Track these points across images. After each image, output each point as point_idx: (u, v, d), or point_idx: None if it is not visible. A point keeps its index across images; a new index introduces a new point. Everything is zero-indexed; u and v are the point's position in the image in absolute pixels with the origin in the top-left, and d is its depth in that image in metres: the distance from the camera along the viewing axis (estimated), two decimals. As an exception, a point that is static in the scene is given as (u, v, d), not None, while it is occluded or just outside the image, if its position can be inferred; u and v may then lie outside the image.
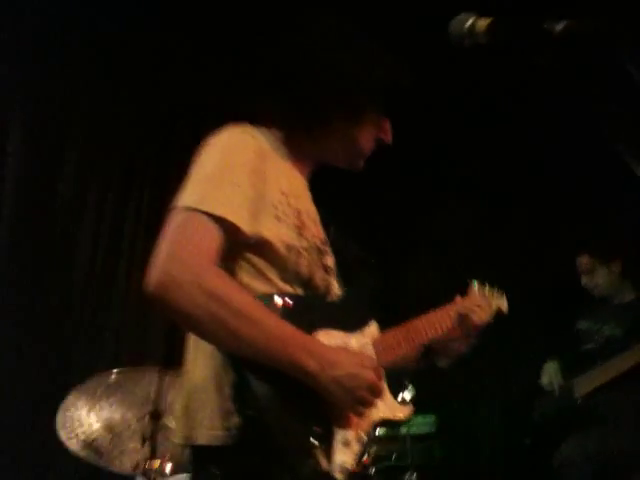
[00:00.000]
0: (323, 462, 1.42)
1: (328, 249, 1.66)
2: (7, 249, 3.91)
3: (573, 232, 4.05)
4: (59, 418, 2.74)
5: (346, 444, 1.47)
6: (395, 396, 1.66)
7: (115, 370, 2.77)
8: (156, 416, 2.71)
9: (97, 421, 2.75)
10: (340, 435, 1.47)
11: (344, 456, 1.46)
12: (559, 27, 1.31)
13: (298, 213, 1.57)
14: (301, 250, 1.54)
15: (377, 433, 1.67)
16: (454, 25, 1.42)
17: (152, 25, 4.20)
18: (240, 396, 1.40)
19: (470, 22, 1.40)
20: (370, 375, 1.47)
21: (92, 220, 4.31)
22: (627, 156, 1.24)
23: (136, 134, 4.51)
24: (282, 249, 1.51)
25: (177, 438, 1.51)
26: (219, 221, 1.41)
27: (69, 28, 4.16)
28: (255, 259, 1.50)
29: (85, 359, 3.91)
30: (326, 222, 1.72)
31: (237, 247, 1.47)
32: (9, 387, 3.62)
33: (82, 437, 2.74)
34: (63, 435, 2.71)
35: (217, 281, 1.37)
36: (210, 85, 4.25)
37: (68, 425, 2.72)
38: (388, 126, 1.76)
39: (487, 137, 4.51)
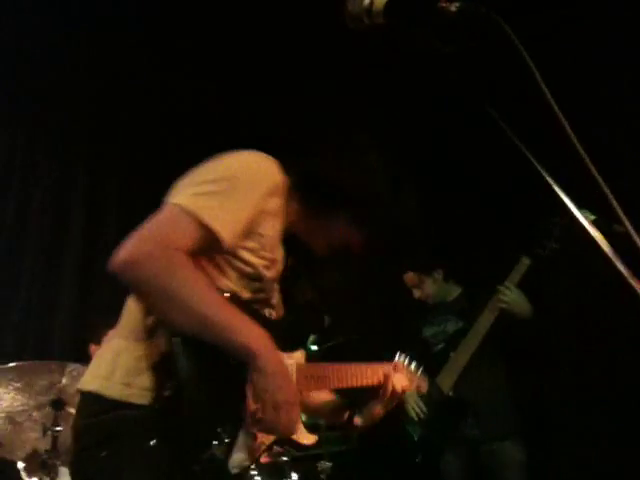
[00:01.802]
0: (221, 454, 1.45)
1: (277, 287, 1.80)
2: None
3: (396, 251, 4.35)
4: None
5: (246, 446, 1.52)
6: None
7: (13, 363, 2.66)
8: (58, 405, 2.62)
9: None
10: (243, 437, 1.51)
11: (243, 454, 1.51)
12: (453, 8, 1.33)
13: (274, 249, 1.71)
14: (265, 278, 1.69)
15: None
16: (351, 3, 1.42)
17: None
18: (166, 366, 1.46)
19: (368, 1, 1.40)
20: (294, 390, 1.57)
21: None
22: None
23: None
24: (251, 270, 1.65)
25: (87, 385, 1.56)
26: (204, 228, 1.52)
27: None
28: (225, 265, 1.63)
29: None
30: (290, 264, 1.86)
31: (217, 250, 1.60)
32: None
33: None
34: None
35: (176, 259, 1.47)
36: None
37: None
38: (364, 243, 1.88)
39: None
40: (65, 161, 4.50)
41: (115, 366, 1.53)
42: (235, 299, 1.59)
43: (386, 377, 2.01)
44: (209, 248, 1.57)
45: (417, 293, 3.97)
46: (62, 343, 4.11)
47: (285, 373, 1.54)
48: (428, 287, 3.92)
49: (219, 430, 1.46)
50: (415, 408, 3.67)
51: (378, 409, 2.02)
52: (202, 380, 1.46)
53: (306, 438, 1.77)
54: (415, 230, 1.88)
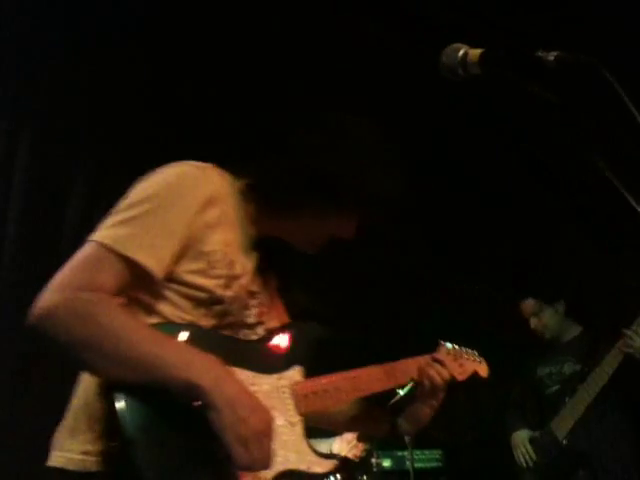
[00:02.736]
0: None
1: (255, 302, 1.60)
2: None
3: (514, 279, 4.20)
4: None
5: None
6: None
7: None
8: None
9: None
10: None
11: None
12: (551, 57, 1.30)
13: (232, 264, 1.52)
14: (225, 299, 1.49)
15: (383, 466, 1.62)
16: (446, 56, 1.41)
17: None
18: (107, 425, 1.32)
19: (462, 52, 1.40)
20: (263, 417, 1.35)
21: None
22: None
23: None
24: (204, 294, 1.47)
25: (53, 461, 1.44)
26: (129, 262, 1.36)
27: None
28: (173, 295, 1.46)
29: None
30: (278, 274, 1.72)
31: (153, 283, 1.43)
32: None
33: None
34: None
35: (96, 302, 1.31)
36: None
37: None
38: (355, 227, 1.69)
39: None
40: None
41: (75, 435, 1.40)
42: (195, 330, 1.42)
43: (420, 371, 1.83)
44: (142, 281, 1.40)
45: (534, 322, 3.75)
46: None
47: (246, 401, 1.33)
48: (547, 318, 3.72)
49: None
50: (524, 454, 3.52)
51: (422, 409, 1.83)
52: (152, 434, 1.28)
53: (319, 465, 1.55)
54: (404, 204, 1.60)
